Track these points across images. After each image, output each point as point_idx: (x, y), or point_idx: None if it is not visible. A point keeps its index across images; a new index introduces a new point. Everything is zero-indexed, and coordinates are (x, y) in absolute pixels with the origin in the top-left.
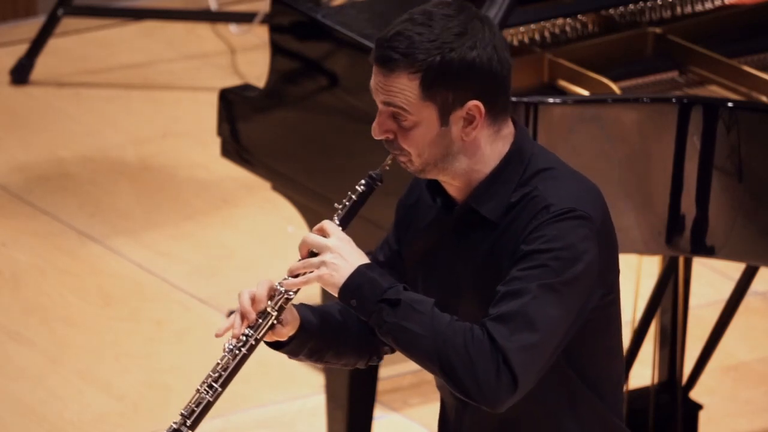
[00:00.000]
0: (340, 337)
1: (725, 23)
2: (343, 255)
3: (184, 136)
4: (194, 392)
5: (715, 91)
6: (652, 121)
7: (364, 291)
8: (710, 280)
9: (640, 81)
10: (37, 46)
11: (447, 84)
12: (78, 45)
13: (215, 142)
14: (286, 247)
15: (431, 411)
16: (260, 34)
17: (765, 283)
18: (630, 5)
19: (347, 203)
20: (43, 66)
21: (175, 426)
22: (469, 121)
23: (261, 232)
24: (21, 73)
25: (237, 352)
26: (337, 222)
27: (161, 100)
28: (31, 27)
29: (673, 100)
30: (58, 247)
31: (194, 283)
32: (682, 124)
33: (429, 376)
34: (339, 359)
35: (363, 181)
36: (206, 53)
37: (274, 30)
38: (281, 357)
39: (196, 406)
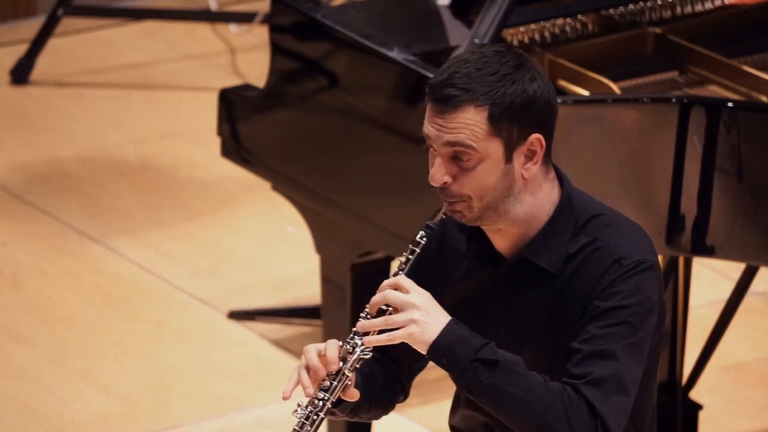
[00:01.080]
0: (373, 389)
1: (725, 23)
2: (431, 312)
3: (185, 136)
4: None
5: (715, 91)
6: (652, 121)
7: (457, 349)
8: (710, 280)
9: (640, 81)
10: (37, 46)
11: (512, 117)
12: (78, 45)
13: (215, 142)
14: (286, 247)
15: (431, 411)
16: (260, 34)
17: (765, 283)
18: (630, 5)
19: (411, 257)
20: (43, 66)
21: None
22: (530, 156)
23: (261, 232)
24: (21, 73)
25: (315, 417)
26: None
27: (161, 100)
28: (31, 27)
29: (673, 100)
30: (58, 248)
31: (194, 283)
32: (682, 124)
33: (429, 376)
34: (369, 411)
35: (422, 233)
36: (206, 53)
37: (274, 30)
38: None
39: None
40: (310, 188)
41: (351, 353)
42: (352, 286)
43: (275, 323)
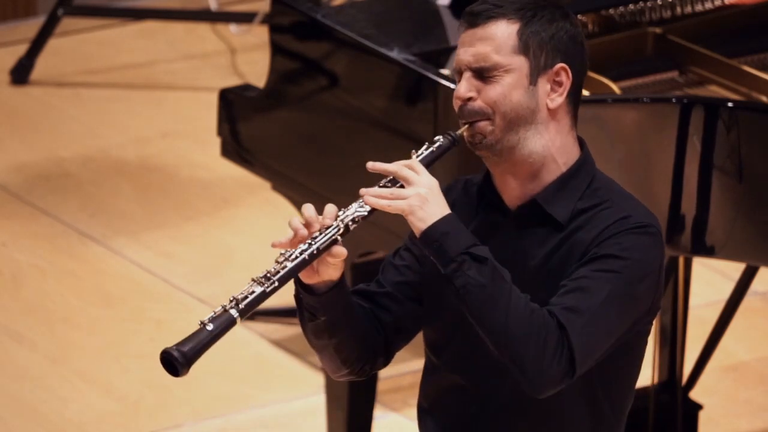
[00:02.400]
0: (354, 323)
1: (725, 23)
2: (436, 196)
3: (185, 136)
4: (247, 283)
5: (715, 91)
6: (652, 121)
7: (450, 238)
8: (710, 280)
9: (640, 81)
10: (37, 46)
11: (541, 41)
12: (78, 45)
13: (215, 142)
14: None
15: None
16: (260, 34)
17: (765, 283)
18: (630, 5)
19: (425, 151)
20: (43, 66)
21: (224, 307)
22: (558, 84)
23: (261, 232)
24: (21, 73)
25: (298, 255)
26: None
27: (162, 100)
28: (31, 27)
29: (673, 100)
30: (58, 248)
31: (195, 283)
32: (682, 124)
33: None
34: (343, 349)
35: (439, 137)
36: (206, 53)
37: (274, 30)
38: (281, 357)
39: (249, 294)
40: (310, 188)
41: (346, 212)
42: (352, 286)
43: (275, 323)
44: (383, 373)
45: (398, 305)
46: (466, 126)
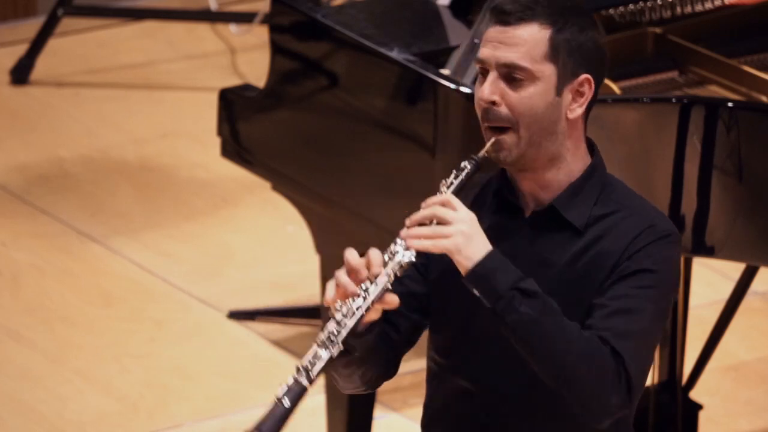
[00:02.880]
0: (382, 352)
1: (725, 23)
2: (478, 232)
3: (184, 136)
4: (311, 348)
5: (715, 91)
6: (652, 121)
7: (498, 274)
8: (710, 280)
9: (640, 81)
10: (37, 46)
11: (570, 49)
12: (78, 45)
13: (215, 142)
14: (286, 247)
15: None
16: (260, 34)
17: (765, 283)
18: (630, 5)
19: (455, 181)
20: (43, 66)
21: (294, 378)
22: (578, 96)
23: (261, 232)
24: (21, 73)
25: (355, 310)
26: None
27: (161, 100)
28: (31, 27)
29: (673, 100)
30: (58, 247)
31: (194, 283)
32: (682, 124)
33: None
34: (367, 374)
35: (465, 163)
36: (206, 53)
37: (274, 30)
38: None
39: (316, 360)
40: (310, 188)
41: (392, 259)
42: None
43: (275, 323)
44: None
45: (406, 319)
46: (489, 145)
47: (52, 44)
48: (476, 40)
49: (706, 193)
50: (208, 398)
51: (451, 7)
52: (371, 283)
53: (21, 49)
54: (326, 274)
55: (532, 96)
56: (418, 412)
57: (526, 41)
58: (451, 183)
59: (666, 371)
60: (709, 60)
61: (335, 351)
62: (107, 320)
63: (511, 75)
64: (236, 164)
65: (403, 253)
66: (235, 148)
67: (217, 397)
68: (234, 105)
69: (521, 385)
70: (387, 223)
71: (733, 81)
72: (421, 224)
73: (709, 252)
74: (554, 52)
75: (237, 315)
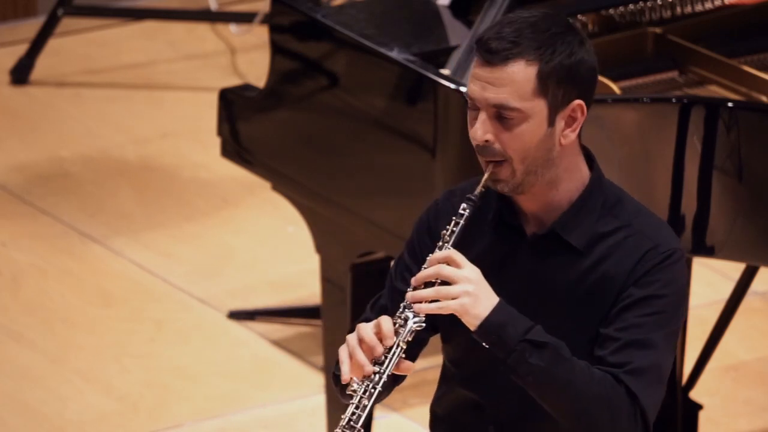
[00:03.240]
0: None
1: (725, 23)
2: (484, 289)
3: (184, 136)
4: None
5: (715, 91)
6: (652, 121)
7: (507, 328)
8: (710, 280)
9: (640, 81)
10: (37, 46)
11: (560, 78)
12: (78, 45)
13: (215, 142)
14: (286, 247)
15: None
16: (260, 34)
17: (765, 283)
18: (630, 5)
19: (455, 229)
20: (43, 66)
21: None
22: (570, 122)
23: (261, 232)
24: (21, 73)
25: (372, 390)
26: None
27: (161, 100)
28: (31, 27)
29: (673, 100)
30: (58, 248)
31: (194, 283)
32: (682, 124)
33: (429, 376)
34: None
35: (464, 205)
36: (206, 53)
37: (274, 30)
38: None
39: None
40: (310, 188)
41: (403, 326)
42: (352, 286)
43: (275, 323)
44: None
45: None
46: (486, 178)
47: (52, 44)
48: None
49: (706, 193)
50: (208, 398)
51: (451, 7)
52: (385, 357)
53: (21, 49)
54: (326, 274)
55: (524, 133)
56: (418, 412)
57: (514, 80)
58: (452, 232)
59: None
60: (709, 60)
61: None
62: (107, 320)
63: (502, 114)
64: (236, 164)
65: (413, 320)
66: (235, 148)
67: (217, 397)
68: (234, 105)
69: (531, 401)
70: (387, 223)
71: (733, 81)
72: (426, 284)
73: (709, 252)
74: (543, 87)
75: (237, 315)
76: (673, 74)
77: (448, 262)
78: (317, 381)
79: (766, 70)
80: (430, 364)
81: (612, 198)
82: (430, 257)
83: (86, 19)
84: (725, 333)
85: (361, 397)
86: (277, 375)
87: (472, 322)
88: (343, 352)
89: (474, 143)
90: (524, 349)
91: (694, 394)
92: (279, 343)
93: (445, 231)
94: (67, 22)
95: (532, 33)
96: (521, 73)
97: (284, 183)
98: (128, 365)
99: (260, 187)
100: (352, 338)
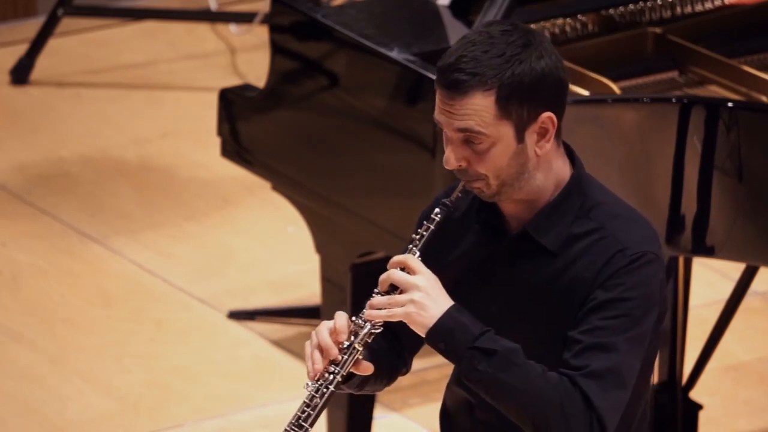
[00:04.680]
0: (378, 362)
1: (725, 23)
2: (432, 295)
3: (184, 136)
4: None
5: (715, 91)
6: (652, 121)
7: (456, 335)
8: (710, 280)
9: (640, 81)
10: (37, 46)
11: (521, 98)
12: (78, 45)
13: (215, 142)
14: (286, 247)
15: (431, 411)
16: (260, 34)
17: (765, 283)
18: (630, 5)
19: (425, 233)
20: (43, 66)
21: None
22: (543, 133)
23: (261, 232)
24: (21, 73)
25: (325, 390)
26: (417, 255)
27: (161, 100)
28: (31, 27)
29: (673, 100)
30: (58, 248)
31: (194, 283)
32: (682, 124)
33: (429, 376)
34: (375, 384)
35: (437, 210)
36: (206, 53)
37: (274, 30)
38: (281, 357)
39: None
40: (310, 188)
41: (362, 327)
42: (352, 286)
43: (275, 323)
44: None
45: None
46: (459, 189)
47: (52, 44)
48: None
49: (706, 193)
50: (208, 398)
51: (451, 7)
52: (342, 358)
53: (21, 49)
54: (326, 274)
55: (495, 155)
56: (418, 412)
57: (475, 110)
58: (422, 236)
59: (666, 371)
60: (709, 60)
61: None
62: (108, 320)
63: (470, 139)
64: (236, 164)
65: (371, 324)
66: (235, 148)
67: (217, 397)
68: (234, 105)
69: None
70: (387, 223)
71: (733, 81)
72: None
73: (709, 252)
74: (505, 110)
75: (237, 315)
76: (673, 74)
77: (404, 266)
78: None
79: (766, 70)
80: (430, 364)
81: (592, 200)
82: (392, 259)
83: (86, 19)
84: (725, 333)
85: (314, 396)
86: (277, 375)
87: (419, 330)
88: (306, 348)
89: (448, 168)
90: (472, 356)
91: (694, 394)
92: (279, 343)
93: (415, 235)
94: (67, 22)
95: (488, 59)
96: (480, 102)
97: (284, 183)
98: (128, 365)
99: (260, 187)
100: (313, 336)
